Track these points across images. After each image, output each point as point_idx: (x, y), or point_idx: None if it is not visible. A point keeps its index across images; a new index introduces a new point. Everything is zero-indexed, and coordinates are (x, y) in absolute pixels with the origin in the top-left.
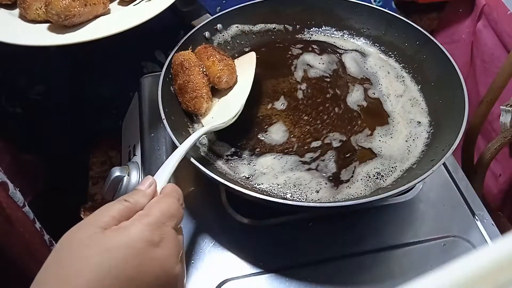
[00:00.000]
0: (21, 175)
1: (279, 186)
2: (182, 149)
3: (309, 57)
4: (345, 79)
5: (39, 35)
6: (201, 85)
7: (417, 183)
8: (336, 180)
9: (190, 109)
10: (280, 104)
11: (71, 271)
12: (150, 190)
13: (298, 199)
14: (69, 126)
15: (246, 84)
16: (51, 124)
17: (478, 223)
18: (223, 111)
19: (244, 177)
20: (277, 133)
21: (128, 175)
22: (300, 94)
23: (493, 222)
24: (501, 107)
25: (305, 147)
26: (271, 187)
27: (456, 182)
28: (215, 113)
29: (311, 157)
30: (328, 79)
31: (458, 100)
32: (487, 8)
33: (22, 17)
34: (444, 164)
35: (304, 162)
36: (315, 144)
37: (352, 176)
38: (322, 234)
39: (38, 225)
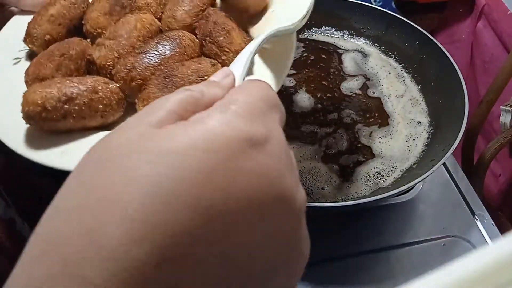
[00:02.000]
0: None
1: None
2: (258, 40)
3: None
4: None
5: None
6: None
7: (417, 183)
8: (344, 176)
9: None
10: None
11: (114, 193)
12: (227, 82)
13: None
14: None
15: None
16: None
17: (478, 223)
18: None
19: None
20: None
21: None
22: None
23: (493, 222)
24: (501, 107)
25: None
26: None
27: (456, 182)
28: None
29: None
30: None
31: (458, 100)
32: (487, 8)
33: None
34: (444, 164)
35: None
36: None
37: (352, 176)
38: (322, 234)
39: None
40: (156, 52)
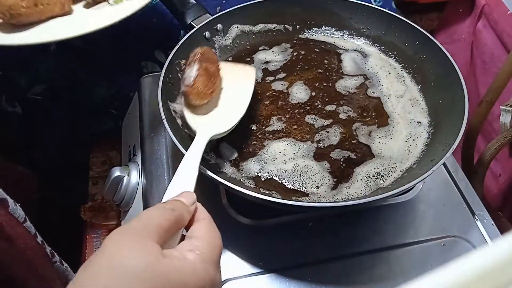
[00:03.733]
0: (17, 179)
1: (286, 172)
2: (196, 163)
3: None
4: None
5: None
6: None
7: (417, 183)
8: (338, 177)
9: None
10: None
11: None
12: (193, 208)
13: (298, 188)
14: (69, 126)
15: (245, 95)
16: (51, 124)
17: (478, 223)
18: (220, 116)
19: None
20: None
21: (128, 175)
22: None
23: (493, 222)
24: (501, 107)
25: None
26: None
27: (456, 182)
28: (211, 117)
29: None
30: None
31: (458, 100)
32: (487, 8)
33: None
34: (444, 164)
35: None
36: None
37: (351, 176)
38: (322, 234)
39: (39, 239)
40: None
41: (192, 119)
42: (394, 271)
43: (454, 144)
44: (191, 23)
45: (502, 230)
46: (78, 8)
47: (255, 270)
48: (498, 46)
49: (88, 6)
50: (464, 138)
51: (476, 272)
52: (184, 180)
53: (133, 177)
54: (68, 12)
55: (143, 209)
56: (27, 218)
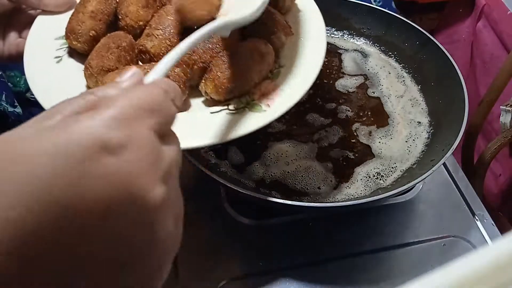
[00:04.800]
0: None
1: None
2: (188, 41)
3: None
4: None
5: None
6: None
7: (417, 183)
8: (339, 177)
9: None
10: None
11: None
12: (129, 83)
13: (301, 189)
14: None
15: None
16: None
17: (478, 223)
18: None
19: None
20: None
21: None
22: None
23: (493, 222)
24: (501, 107)
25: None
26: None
27: (456, 182)
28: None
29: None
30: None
31: (458, 100)
32: (487, 8)
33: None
34: (444, 164)
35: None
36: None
37: (351, 176)
38: (322, 234)
39: None
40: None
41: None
42: (394, 271)
43: (454, 144)
44: None
45: (502, 230)
46: (197, 103)
47: (255, 270)
48: (498, 46)
49: (208, 103)
50: (464, 138)
51: (476, 272)
52: (163, 60)
53: None
54: (183, 109)
55: None
56: None
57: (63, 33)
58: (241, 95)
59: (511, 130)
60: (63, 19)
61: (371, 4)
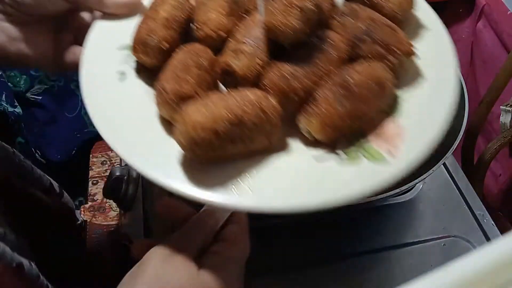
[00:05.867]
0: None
1: None
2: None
3: None
4: None
5: None
6: None
7: (417, 183)
8: None
9: None
10: None
11: None
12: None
13: None
14: (68, 126)
15: None
16: (51, 124)
17: (478, 223)
18: None
19: None
20: None
21: (128, 175)
22: None
23: (493, 222)
24: (501, 107)
25: None
26: None
27: (456, 182)
28: None
29: None
30: None
31: (458, 100)
32: (487, 8)
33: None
34: (444, 164)
35: None
36: None
37: None
38: (322, 234)
39: None
40: (312, 55)
41: None
42: (394, 271)
43: (454, 144)
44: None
45: (502, 230)
46: (297, 145)
47: (255, 270)
48: (498, 46)
49: (306, 142)
50: (464, 138)
51: (476, 272)
52: None
53: (133, 177)
54: (272, 148)
55: (143, 209)
56: (40, 275)
57: (127, 41)
58: (352, 135)
59: (511, 130)
60: (127, 25)
61: None
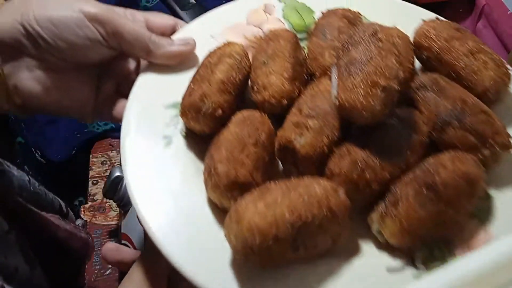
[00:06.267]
0: None
1: None
2: None
3: None
4: None
5: None
6: None
7: None
8: None
9: None
10: None
11: None
12: None
13: None
14: (69, 126)
15: None
16: (51, 124)
17: None
18: None
19: None
20: None
21: None
22: None
23: None
24: None
25: None
26: None
27: None
28: None
29: None
30: None
31: None
32: (487, 8)
33: None
34: None
35: None
36: None
37: None
38: None
39: None
40: (389, 139)
41: None
42: None
43: None
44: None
45: None
46: (367, 247)
47: None
48: (498, 46)
49: (382, 247)
50: None
51: (476, 272)
52: None
53: None
54: (337, 249)
55: None
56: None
57: (175, 99)
58: (434, 243)
59: None
60: (176, 79)
61: None
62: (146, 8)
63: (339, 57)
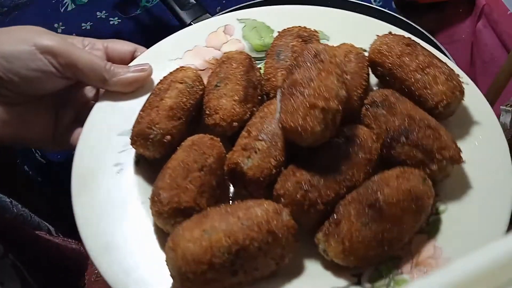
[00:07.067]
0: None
1: None
2: None
3: None
4: None
5: None
6: None
7: None
8: None
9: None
10: None
11: None
12: None
13: None
14: None
15: None
16: None
17: None
18: None
19: None
20: None
21: None
22: None
23: None
24: (501, 107)
25: None
26: None
27: None
28: None
29: None
30: None
31: None
32: (487, 8)
33: None
34: None
35: None
36: None
37: None
38: None
39: None
40: (335, 159)
41: None
42: None
43: None
44: (191, 23)
45: None
46: (314, 268)
47: None
48: (498, 46)
49: (328, 267)
50: None
51: (476, 272)
52: None
53: None
54: (282, 271)
55: None
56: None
57: (129, 126)
58: (381, 262)
59: (511, 130)
60: (131, 106)
61: (371, 4)
62: (146, 8)
63: (284, 80)
